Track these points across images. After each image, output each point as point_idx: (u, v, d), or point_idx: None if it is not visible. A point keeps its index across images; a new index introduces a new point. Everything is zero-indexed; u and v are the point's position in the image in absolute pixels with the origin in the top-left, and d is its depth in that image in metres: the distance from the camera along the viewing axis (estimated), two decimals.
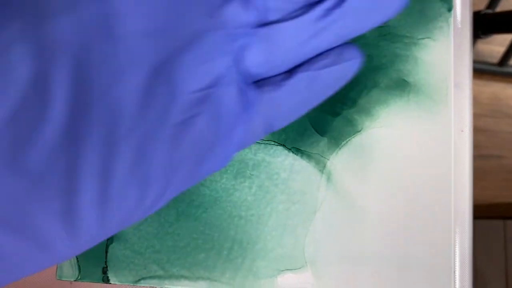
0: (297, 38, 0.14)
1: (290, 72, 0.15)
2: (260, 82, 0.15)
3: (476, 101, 1.11)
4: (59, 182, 0.11)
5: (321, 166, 0.24)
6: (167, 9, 0.13)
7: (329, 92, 0.17)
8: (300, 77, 0.15)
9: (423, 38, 0.25)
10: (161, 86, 0.13)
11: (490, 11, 0.92)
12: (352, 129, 0.24)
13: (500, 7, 0.98)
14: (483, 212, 0.84)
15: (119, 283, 0.23)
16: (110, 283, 0.23)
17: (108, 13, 0.12)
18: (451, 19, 0.25)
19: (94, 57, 0.12)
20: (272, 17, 0.14)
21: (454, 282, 0.25)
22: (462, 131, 0.29)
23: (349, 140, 0.24)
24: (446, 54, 0.25)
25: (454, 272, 0.25)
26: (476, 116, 1.10)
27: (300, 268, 0.23)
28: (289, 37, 0.14)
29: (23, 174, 0.11)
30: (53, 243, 0.12)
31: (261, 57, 0.14)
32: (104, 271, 0.23)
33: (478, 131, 1.10)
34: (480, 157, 1.09)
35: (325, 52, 0.16)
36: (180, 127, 0.13)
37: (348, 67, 0.16)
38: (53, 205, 0.11)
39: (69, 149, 0.12)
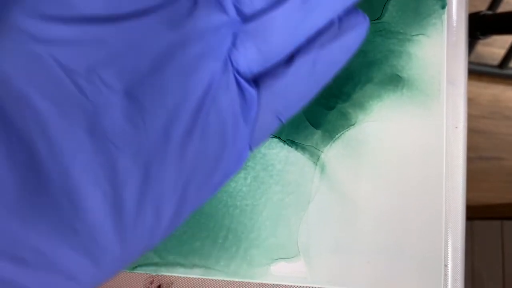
0: (287, 26, 0.14)
1: (290, 58, 0.14)
2: (259, 77, 0.14)
3: (476, 103, 1.11)
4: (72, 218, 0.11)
5: (315, 158, 0.24)
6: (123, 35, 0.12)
7: (337, 67, 0.15)
8: (301, 63, 0.14)
9: (417, 35, 0.25)
10: (143, 104, 0.12)
11: (490, 12, 0.92)
12: (346, 122, 0.25)
13: (501, 8, 0.98)
14: (481, 213, 0.85)
15: None
16: None
17: None
18: (445, 16, 0.26)
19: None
20: (257, 5, 0.13)
21: (446, 275, 0.25)
22: (456, 127, 0.30)
23: (343, 133, 0.25)
24: (439, 51, 0.26)
25: (446, 265, 0.26)
26: (476, 118, 1.10)
27: (293, 257, 0.24)
28: (279, 27, 0.14)
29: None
30: (79, 275, 0.12)
31: (254, 53, 0.14)
32: None
33: (477, 133, 1.11)
34: (479, 158, 1.10)
35: (326, 26, 0.14)
36: (182, 141, 0.12)
37: (352, 36, 0.15)
38: (73, 239, 0.12)
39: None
